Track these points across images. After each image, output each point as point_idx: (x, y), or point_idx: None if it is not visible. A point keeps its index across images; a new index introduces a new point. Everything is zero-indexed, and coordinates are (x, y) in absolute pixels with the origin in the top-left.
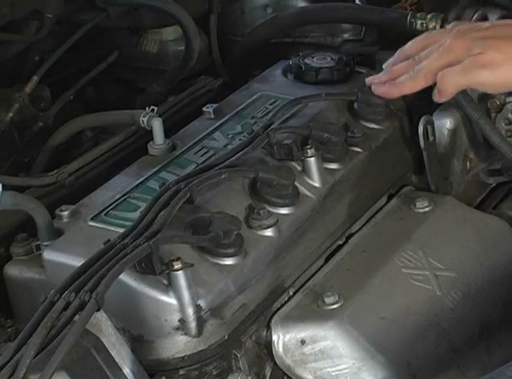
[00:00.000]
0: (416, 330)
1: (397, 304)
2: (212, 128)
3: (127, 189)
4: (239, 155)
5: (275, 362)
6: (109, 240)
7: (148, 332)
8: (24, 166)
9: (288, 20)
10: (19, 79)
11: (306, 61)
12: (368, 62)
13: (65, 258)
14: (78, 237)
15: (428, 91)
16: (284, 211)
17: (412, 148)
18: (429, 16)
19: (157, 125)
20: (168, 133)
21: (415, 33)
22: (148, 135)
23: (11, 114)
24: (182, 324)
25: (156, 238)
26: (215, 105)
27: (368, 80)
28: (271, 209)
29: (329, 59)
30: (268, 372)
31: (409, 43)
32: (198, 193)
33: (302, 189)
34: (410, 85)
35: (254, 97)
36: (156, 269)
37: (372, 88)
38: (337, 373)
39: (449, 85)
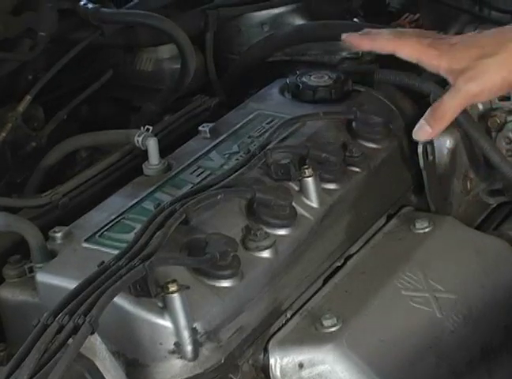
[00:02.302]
0: (415, 353)
1: (396, 326)
2: (209, 147)
3: (122, 209)
4: (235, 175)
5: None
6: (103, 262)
7: (143, 355)
8: (17, 186)
9: (285, 39)
10: (12, 98)
11: (304, 79)
12: (366, 81)
13: (58, 280)
14: (72, 259)
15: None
16: (281, 232)
17: (412, 168)
18: None
19: (152, 145)
20: (164, 152)
21: None
22: (143, 155)
23: (4, 134)
24: (178, 348)
25: (151, 260)
26: (211, 124)
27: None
28: (268, 230)
29: (326, 78)
30: None
31: None
32: (194, 213)
33: (299, 209)
34: (382, 43)
35: (251, 116)
36: (151, 292)
37: (344, 38)
38: None
39: (448, 108)
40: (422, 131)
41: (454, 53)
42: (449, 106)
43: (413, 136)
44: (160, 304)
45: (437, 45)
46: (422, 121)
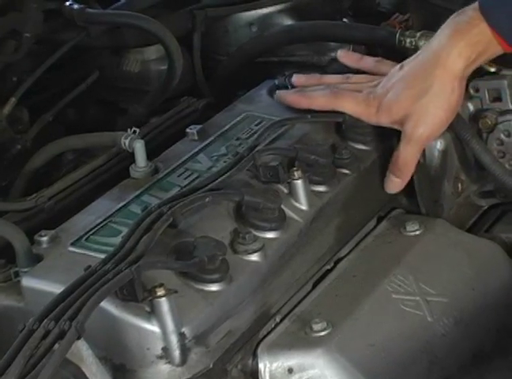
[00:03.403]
0: (406, 357)
1: (387, 330)
2: (196, 150)
3: (108, 213)
4: (223, 177)
5: None
6: (90, 266)
7: (131, 360)
8: (2, 190)
9: (273, 39)
10: None
11: (293, 80)
12: None
13: (44, 285)
14: (58, 263)
15: None
16: (270, 235)
17: None
18: (418, 34)
19: (139, 148)
20: (151, 155)
21: (404, 51)
22: (130, 157)
23: None
24: (166, 353)
25: (138, 264)
26: (198, 126)
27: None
28: (257, 233)
29: None
30: None
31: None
32: (182, 217)
33: (288, 212)
34: (320, 102)
35: (239, 118)
36: (138, 296)
37: (279, 96)
38: None
39: (407, 157)
40: (392, 183)
41: (389, 107)
42: (408, 155)
43: (386, 191)
44: (148, 308)
45: (371, 100)
46: (388, 173)
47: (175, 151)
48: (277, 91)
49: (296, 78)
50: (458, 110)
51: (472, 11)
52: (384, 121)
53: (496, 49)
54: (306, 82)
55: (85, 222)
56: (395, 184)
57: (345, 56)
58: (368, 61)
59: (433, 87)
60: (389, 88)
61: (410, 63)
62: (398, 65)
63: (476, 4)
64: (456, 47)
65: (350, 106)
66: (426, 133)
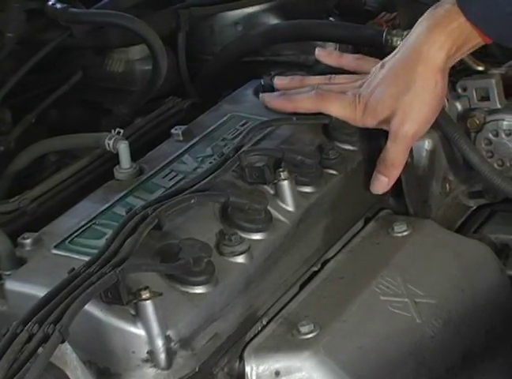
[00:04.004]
0: (395, 359)
1: (375, 333)
2: (181, 151)
3: (92, 215)
4: (209, 178)
5: None
6: (74, 269)
7: (116, 364)
8: None
9: (259, 38)
10: None
11: None
12: None
13: (28, 288)
14: (41, 266)
15: None
16: (256, 236)
17: None
18: (405, 33)
19: (123, 149)
20: (135, 156)
21: (391, 50)
22: (114, 159)
23: None
24: (151, 356)
25: (122, 267)
26: (184, 127)
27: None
28: (243, 235)
29: None
30: None
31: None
32: (167, 218)
33: (275, 213)
34: (306, 105)
35: (225, 118)
36: (123, 299)
37: (264, 100)
38: None
39: (395, 155)
40: (379, 182)
41: (374, 107)
42: (395, 153)
43: (372, 191)
44: (133, 311)
45: (357, 103)
46: (376, 173)
47: (159, 152)
48: (261, 95)
49: (278, 81)
50: (446, 110)
51: (449, 5)
52: (370, 122)
53: (477, 40)
54: (288, 84)
55: (69, 224)
56: (382, 184)
57: (324, 55)
58: (348, 59)
59: (416, 83)
60: (373, 89)
61: (390, 61)
62: (379, 64)
63: None
64: (436, 41)
65: (336, 109)
66: (412, 130)
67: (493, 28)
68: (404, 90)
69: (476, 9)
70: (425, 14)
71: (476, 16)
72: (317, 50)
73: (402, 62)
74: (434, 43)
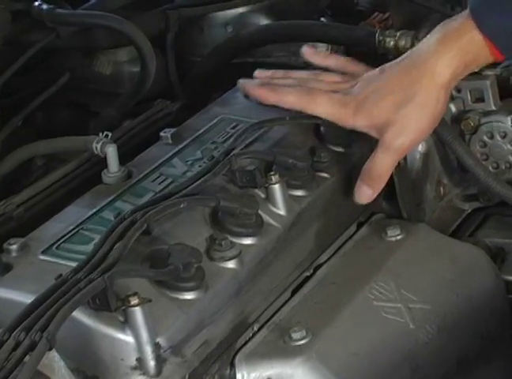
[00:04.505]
0: (389, 366)
1: (368, 339)
2: (171, 154)
3: (80, 220)
4: (198, 182)
5: None
6: (61, 275)
7: (104, 372)
8: None
9: (249, 39)
10: None
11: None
12: None
13: (14, 295)
14: (28, 272)
15: None
16: (247, 241)
17: None
18: (398, 33)
19: (111, 152)
20: (123, 159)
21: (384, 51)
22: (102, 162)
23: None
24: (140, 364)
25: (110, 273)
26: (173, 130)
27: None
28: (233, 240)
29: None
30: None
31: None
32: (156, 223)
33: (266, 217)
34: (290, 100)
35: (215, 121)
36: (111, 305)
37: (243, 87)
38: None
39: (383, 167)
40: (362, 194)
41: (370, 109)
42: (384, 164)
43: (355, 201)
44: (121, 318)
45: (349, 102)
46: (360, 183)
47: (148, 156)
48: (240, 81)
49: (259, 73)
50: None
51: (462, 18)
52: (361, 124)
53: (485, 59)
54: (271, 76)
55: (56, 229)
56: (366, 195)
57: (311, 53)
58: (337, 60)
59: (418, 95)
60: (370, 92)
61: (393, 67)
62: (378, 69)
63: (467, 11)
64: (445, 56)
65: (324, 106)
66: (406, 144)
67: (508, 44)
68: (404, 100)
69: (492, 23)
70: (438, 26)
71: (491, 31)
72: (303, 47)
73: (406, 71)
74: (442, 56)
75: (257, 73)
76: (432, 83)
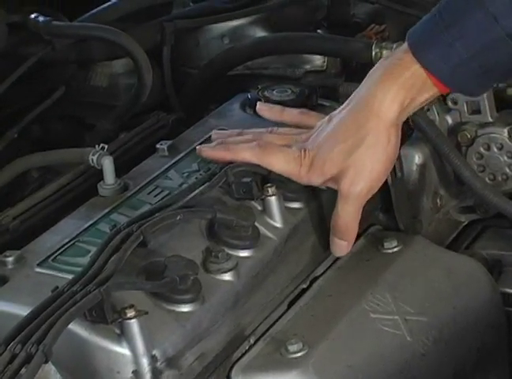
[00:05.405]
0: (385, 378)
1: (365, 351)
2: (167, 166)
3: (76, 232)
4: (194, 194)
5: None
6: (57, 287)
7: None
8: None
9: (245, 51)
10: None
11: (266, 94)
12: (332, 95)
13: (10, 307)
14: (24, 284)
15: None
16: (243, 253)
17: None
18: (395, 45)
19: (108, 164)
20: (119, 172)
21: None
22: (98, 175)
23: None
24: (137, 376)
25: (107, 285)
26: (169, 142)
27: (198, 148)
28: (230, 252)
29: (289, 92)
30: None
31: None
32: (152, 235)
33: (262, 229)
34: (246, 156)
35: (211, 133)
36: (107, 318)
37: (201, 152)
38: None
39: (347, 218)
40: (338, 247)
41: (322, 164)
42: (348, 216)
43: (334, 254)
44: (117, 330)
45: (303, 157)
46: (332, 237)
47: (144, 168)
48: (197, 147)
49: (215, 134)
50: (436, 123)
51: (402, 53)
52: (316, 180)
53: (431, 92)
54: (228, 136)
55: (52, 242)
56: (341, 247)
57: (265, 109)
58: (291, 114)
59: (367, 139)
60: (321, 144)
61: (339, 115)
62: (326, 118)
63: (406, 45)
64: (388, 93)
65: (279, 163)
66: (365, 190)
67: (450, 76)
68: (354, 146)
69: (432, 57)
70: (377, 64)
71: (432, 64)
72: (258, 104)
73: (352, 116)
74: (385, 96)
75: (214, 134)
76: (380, 124)
